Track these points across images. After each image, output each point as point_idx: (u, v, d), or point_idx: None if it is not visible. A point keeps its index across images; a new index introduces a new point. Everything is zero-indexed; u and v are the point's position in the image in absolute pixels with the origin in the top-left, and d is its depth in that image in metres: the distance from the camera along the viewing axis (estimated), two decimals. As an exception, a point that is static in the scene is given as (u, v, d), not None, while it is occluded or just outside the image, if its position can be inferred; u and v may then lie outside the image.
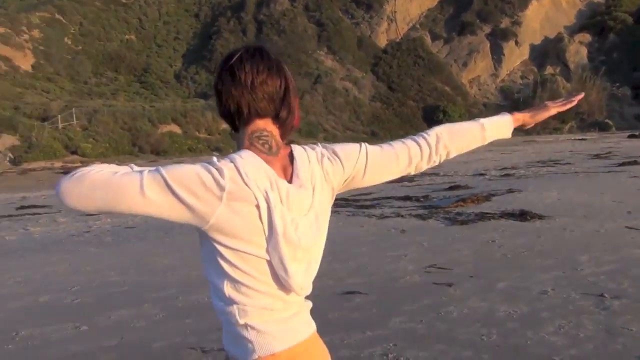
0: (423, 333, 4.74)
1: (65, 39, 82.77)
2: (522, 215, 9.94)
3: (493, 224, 9.48)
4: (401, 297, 5.76)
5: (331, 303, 5.65)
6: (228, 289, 1.54)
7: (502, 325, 4.80)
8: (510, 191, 13.59)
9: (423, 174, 21.02)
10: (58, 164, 43.25)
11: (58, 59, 77.19)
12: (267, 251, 1.54)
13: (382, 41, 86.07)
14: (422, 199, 13.22)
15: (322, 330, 4.79)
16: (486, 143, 1.90)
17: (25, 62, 74.01)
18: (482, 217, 10.11)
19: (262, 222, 1.52)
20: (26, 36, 78.00)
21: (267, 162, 1.56)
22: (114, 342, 4.84)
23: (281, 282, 1.57)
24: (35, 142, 47.26)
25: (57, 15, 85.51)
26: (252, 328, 1.55)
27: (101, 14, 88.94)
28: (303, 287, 1.61)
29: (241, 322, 1.55)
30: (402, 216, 10.84)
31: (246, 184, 1.49)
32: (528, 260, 6.99)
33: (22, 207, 16.49)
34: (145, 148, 51.84)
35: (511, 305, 5.30)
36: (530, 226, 9.22)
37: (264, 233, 1.52)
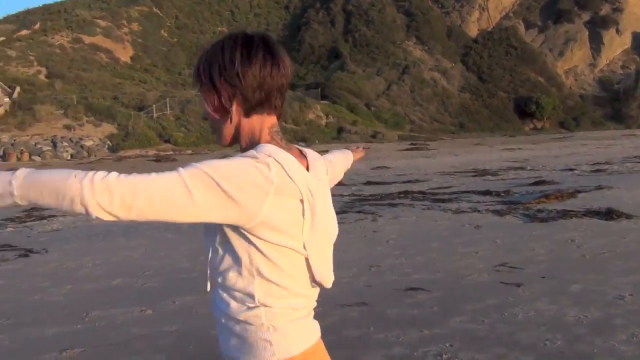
0: (483, 334, 4.57)
1: (162, 32, 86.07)
2: (608, 214, 9.39)
3: (575, 223, 9.01)
4: (465, 296, 5.57)
5: (392, 299, 5.56)
6: (259, 292, 1.48)
7: (569, 331, 4.55)
8: (599, 188, 12.88)
9: (508, 168, 20.33)
10: (152, 152, 45.09)
11: (155, 51, 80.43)
12: (304, 246, 1.51)
13: (472, 31, 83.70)
14: (502, 194, 12.77)
15: (378, 327, 4.74)
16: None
17: (124, 54, 77.62)
18: (564, 214, 9.63)
19: (303, 217, 1.48)
20: (126, 29, 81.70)
21: None
22: (174, 327, 4.98)
23: (310, 280, 1.56)
24: (132, 130, 49.50)
25: (154, 9, 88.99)
26: (275, 329, 1.50)
27: (195, 7, 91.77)
28: (332, 279, 1.63)
29: (266, 324, 1.49)
30: (479, 211, 10.51)
31: (291, 178, 1.45)
32: (608, 263, 6.59)
33: (113, 193, 17.30)
34: (233, 138, 53.14)
35: (582, 310, 5.01)
36: (616, 226, 8.70)
37: (302, 228, 1.49)
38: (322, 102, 61.83)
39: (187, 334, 4.82)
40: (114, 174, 1.32)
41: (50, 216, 11.76)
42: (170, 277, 6.61)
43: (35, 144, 43.76)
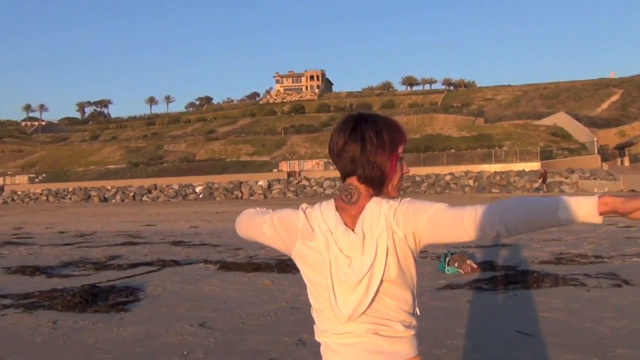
0: None
1: None
2: None
3: None
4: None
5: None
6: (311, 301, 1.94)
7: None
8: None
9: None
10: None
11: None
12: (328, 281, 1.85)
13: None
14: None
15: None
16: (563, 224, 1.62)
17: None
18: None
19: (325, 257, 1.84)
20: None
21: (340, 209, 1.87)
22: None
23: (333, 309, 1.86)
24: None
25: None
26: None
27: None
28: (349, 315, 1.82)
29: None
30: None
31: (311, 227, 1.87)
32: None
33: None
34: None
35: None
36: None
37: (328, 266, 1.84)
38: None
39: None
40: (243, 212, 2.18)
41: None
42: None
43: None
